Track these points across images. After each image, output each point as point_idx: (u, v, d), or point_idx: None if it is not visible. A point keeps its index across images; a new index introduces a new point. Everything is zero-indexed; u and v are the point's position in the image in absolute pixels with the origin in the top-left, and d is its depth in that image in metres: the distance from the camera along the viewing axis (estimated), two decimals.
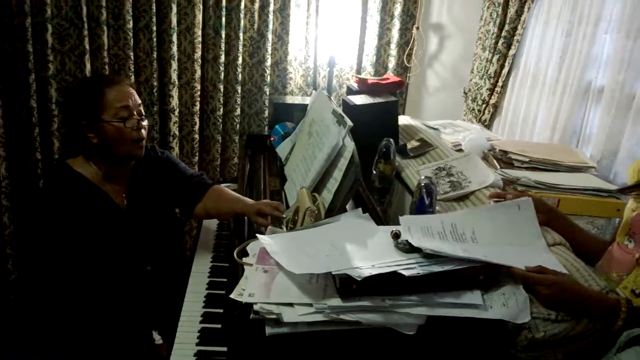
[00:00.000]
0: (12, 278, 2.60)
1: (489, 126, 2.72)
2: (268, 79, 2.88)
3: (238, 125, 2.91)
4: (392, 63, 3.00)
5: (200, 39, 2.72)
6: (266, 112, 2.93)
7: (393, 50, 2.98)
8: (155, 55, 2.66)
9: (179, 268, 1.93)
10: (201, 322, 1.50)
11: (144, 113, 1.75)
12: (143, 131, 1.73)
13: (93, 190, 1.71)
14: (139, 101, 1.74)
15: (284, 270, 1.16)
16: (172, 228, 1.95)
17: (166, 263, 1.87)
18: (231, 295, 1.14)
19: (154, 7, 2.59)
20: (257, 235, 1.32)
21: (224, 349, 1.37)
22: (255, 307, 1.08)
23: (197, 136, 2.85)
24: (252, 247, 1.32)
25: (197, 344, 1.41)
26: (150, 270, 1.81)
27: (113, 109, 1.66)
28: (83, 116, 1.67)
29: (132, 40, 2.60)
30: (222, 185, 2.25)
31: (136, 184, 1.81)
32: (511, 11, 2.55)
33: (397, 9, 2.91)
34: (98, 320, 1.71)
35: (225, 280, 1.67)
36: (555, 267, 1.19)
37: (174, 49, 2.68)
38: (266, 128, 2.91)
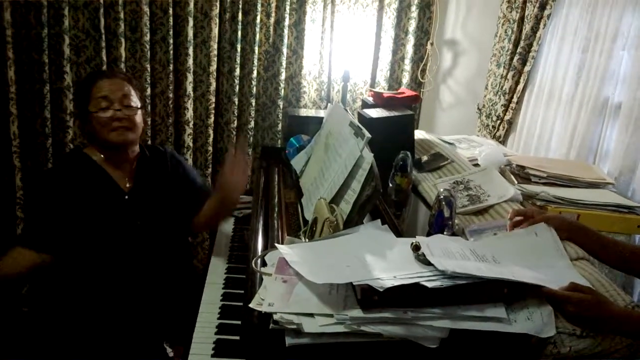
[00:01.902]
0: (24, 291, 2.59)
1: (503, 142, 2.71)
2: (282, 92, 2.89)
3: (252, 138, 2.91)
4: (406, 78, 3.00)
5: (215, 52, 2.74)
6: (279, 126, 2.93)
7: (407, 65, 2.99)
8: (171, 67, 2.68)
9: (185, 264, 1.99)
10: (216, 333, 1.48)
11: (132, 103, 1.81)
12: (125, 121, 1.77)
13: (96, 170, 1.80)
14: (127, 92, 1.81)
15: (304, 280, 1.14)
16: (174, 220, 1.94)
17: (168, 252, 1.89)
18: (250, 305, 1.12)
19: (170, 20, 2.63)
20: (276, 244, 1.31)
21: None
22: (275, 317, 1.06)
23: (210, 148, 2.86)
24: (270, 257, 1.30)
25: (213, 356, 1.39)
26: (152, 258, 1.83)
27: (95, 100, 1.77)
28: (78, 108, 1.84)
29: (148, 52, 2.63)
30: None
31: (141, 173, 1.87)
32: (526, 28, 2.54)
33: (412, 25, 2.92)
34: (104, 316, 1.74)
35: (241, 292, 1.65)
36: (581, 282, 1.17)
37: (190, 61, 2.70)
38: (279, 141, 2.92)
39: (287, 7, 2.77)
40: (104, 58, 2.55)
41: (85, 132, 1.86)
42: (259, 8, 2.74)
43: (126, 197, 1.82)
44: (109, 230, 1.76)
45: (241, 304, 1.59)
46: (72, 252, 1.74)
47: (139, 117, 1.83)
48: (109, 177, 1.82)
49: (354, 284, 1.10)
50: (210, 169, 2.89)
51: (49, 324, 1.83)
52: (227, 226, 2.18)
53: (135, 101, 1.83)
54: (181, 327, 1.61)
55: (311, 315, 1.07)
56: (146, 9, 2.56)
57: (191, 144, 2.82)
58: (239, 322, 1.52)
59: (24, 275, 1.72)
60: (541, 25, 2.49)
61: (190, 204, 1.93)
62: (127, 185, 1.84)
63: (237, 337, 1.46)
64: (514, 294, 1.14)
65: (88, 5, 2.49)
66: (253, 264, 1.33)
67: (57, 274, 1.78)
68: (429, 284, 1.08)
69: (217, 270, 1.83)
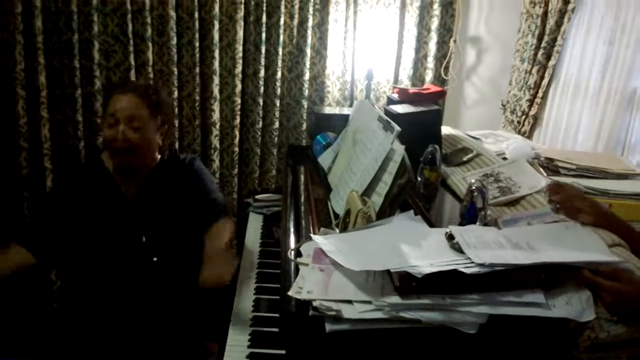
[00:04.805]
0: (55, 287, 2.66)
1: (529, 138, 2.70)
2: (306, 92, 2.92)
3: (277, 138, 2.94)
4: (429, 76, 3.00)
5: (241, 54, 2.78)
6: (304, 125, 2.96)
7: (430, 63, 2.99)
8: (197, 70, 2.72)
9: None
10: (251, 325, 1.50)
11: (137, 124, 1.75)
12: (126, 143, 1.74)
13: (107, 179, 1.83)
14: (134, 112, 1.76)
15: (341, 268, 1.16)
16: (182, 234, 1.86)
17: (176, 257, 1.84)
18: (289, 293, 1.14)
19: (196, 24, 2.67)
20: (311, 235, 1.33)
21: (275, 351, 1.37)
22: (315, 304, 1.08)
23: (237, 149, 2.89)
24: (305, 248, 1.32)
25: (249, 347, 1.41)
26: (157, 262, 1.81)
27: (106, 115, 1.79)
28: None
29: (175, 56, 2.67)
30: (260, 195, 2.28)
31: (150, 184, 1.85)
32: (550, 22, 2.54)
33: (434, 23, 2.93)
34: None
35: (274, 286, 1.68)
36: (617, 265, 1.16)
37: (216, 64, 2.74)
38: (304, 141, 2.94)
39: (310, 9, 2.80)
40: (132, 62, 2.60)
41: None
42: (283, 10, 2.77)
43: (131, 208, 1.82)
44: (112, 241, 1.77)
45: (275, 297, 1.62)
46: (78, 259, 1.77)
47: (143, 139, 1.78)
48: (117, 187, 1.83)
49: (391, 270, 1.11)
50: (236, 169, 2.92)
51: (85, 323, 1.86)
52: (256, 224, 2.21)
53: (144, 122, 1.77)
54: (217, 324, 1.62)
55: (350, 302, 1.09)
56: (172, 13, 2.61)
57: (218, 146, 2.85)
58: (274, 315, 1.55)
59: (8, 275, 1.63)
60: (565, 19, 2.48)
61: (199, 219, 1.81)
62: (134, 195, 1.84)
63: (273, 329, 1.48)
64: (552, 279, 1.15)
65: (116, 11, 2.54)
66: (289, 255, 1.35)
67: (83, 276, 1.82)
68: (467, 270, 1.09)
69: (248, 266, 1.86)
